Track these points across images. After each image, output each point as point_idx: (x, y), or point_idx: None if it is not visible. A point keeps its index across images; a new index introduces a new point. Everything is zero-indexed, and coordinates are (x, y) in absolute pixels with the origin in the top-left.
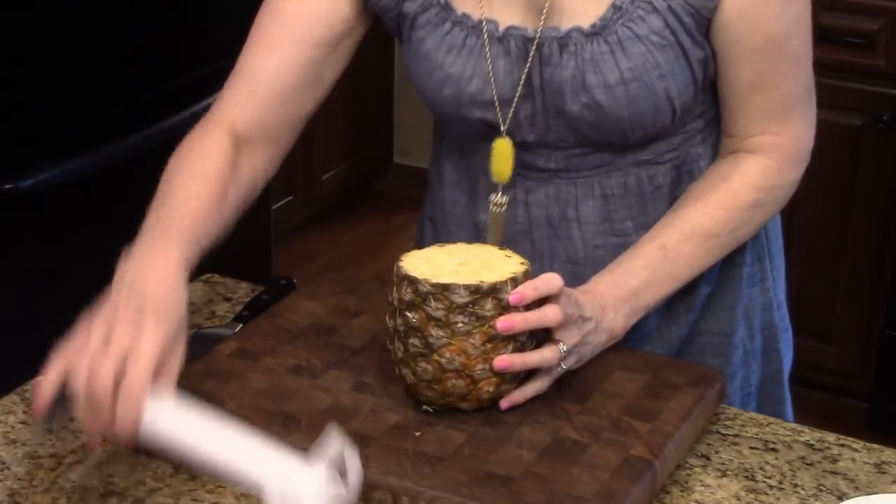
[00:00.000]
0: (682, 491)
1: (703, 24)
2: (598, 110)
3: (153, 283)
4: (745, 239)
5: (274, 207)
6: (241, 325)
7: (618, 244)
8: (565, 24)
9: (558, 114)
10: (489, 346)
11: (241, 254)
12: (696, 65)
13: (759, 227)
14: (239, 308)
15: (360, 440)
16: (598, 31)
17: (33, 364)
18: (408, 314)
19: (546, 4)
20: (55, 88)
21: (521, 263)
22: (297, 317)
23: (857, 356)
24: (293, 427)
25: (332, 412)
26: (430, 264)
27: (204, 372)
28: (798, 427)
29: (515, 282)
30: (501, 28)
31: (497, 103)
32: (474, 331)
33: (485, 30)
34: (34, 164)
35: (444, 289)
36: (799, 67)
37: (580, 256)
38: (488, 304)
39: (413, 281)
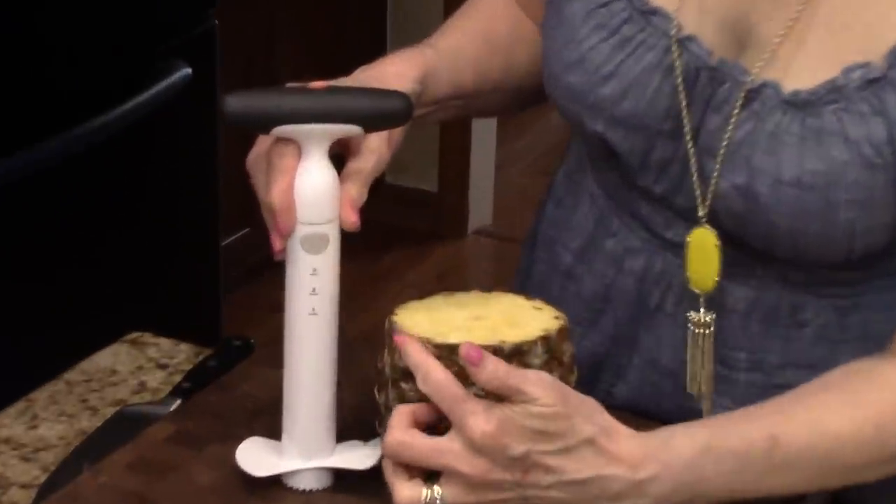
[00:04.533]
0: None
1: None
2: (751, 201)
3: (375, 72)
4: (874, 479)
5: (225, 243)
6: (179, 402)
7: (719, 374)
8: (767, 73)
9: (697, 176)
10: None
11: (180, 304)
12: None
13: None
14: (178, 378)
15: None
16: (798, 104)
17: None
18: (404, 386)
19: (773, 44)
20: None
21: (556, 318)
22: (257, 389)
23: None
24: None
25: None
26: (434, 319)
27: (131, 463)
28: None
29: (548, 342)
30: (682, 34)
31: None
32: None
33: (675, 27)
34: None
35: (452, 351)
36: None
37: (662, 364)
38: None
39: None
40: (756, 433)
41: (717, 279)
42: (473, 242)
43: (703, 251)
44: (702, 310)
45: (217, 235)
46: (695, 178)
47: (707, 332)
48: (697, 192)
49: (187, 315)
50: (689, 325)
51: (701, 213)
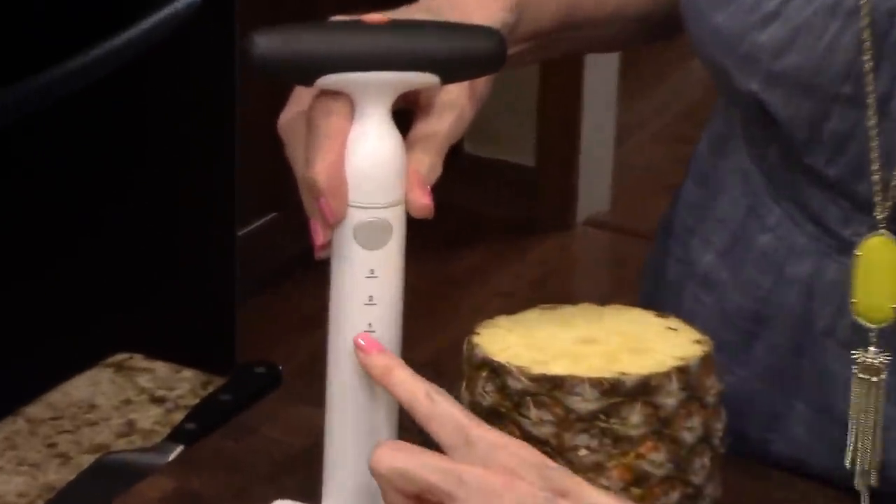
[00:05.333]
0: None
1: None
2: None
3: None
4: None
5: (243, 232)
6: (181, 448)
7: None
8: None
9: (878, 159)
10: (637, 491)
11: (182, 316)
12: None
13: None
14: (179, 416)
15: None
16: None
17: None
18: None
19: None
20: None
21: (697, 342)
22: (286, 433)
23: None
24: None
25: None
26: (530, 341)
27: None
28: None
29: (685, 375)
30: None
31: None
32: (609, 463)
33: None
34: None
35: (554, 386)
36: None
37: (837, 409)
38: (635, 416)
39: (498, 371)
40: None
41: (894, 306)
42: (583, 236)
43: (877, 268)
44: (872, 348)
45: (232, 223)
46: (876, 160)
47: (878, 379)
48: (877, 181)
49: (192, 331)
50: (855, 367)
51: (880, 213)
